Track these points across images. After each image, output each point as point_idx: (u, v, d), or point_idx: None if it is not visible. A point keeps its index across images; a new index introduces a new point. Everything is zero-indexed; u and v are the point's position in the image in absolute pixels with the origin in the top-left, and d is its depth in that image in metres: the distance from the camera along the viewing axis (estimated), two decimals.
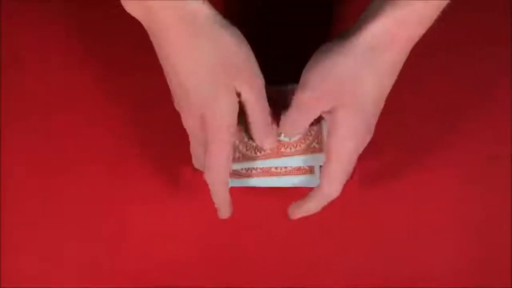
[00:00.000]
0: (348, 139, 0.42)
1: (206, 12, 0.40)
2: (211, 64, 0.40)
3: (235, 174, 0.49)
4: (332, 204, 0.50)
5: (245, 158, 0.48)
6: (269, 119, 0.45)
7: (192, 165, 0.49)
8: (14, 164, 0.54)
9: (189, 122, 0.43)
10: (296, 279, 0.53)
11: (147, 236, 0.54)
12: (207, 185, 0.52)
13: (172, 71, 0.41)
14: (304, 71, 0.43)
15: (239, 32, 0.41)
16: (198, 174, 0.54)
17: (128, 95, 0.55)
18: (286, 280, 0.53)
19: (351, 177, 0.45)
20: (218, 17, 0.40)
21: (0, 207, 0.54)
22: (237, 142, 0.47)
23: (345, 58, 0.40)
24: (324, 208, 0.53)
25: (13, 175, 0.54)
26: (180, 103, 0.43)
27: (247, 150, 0.47)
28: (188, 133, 0.45)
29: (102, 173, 0.54)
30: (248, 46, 0.41)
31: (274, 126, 0.46)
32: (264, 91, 0.43)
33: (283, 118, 0.45)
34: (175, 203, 0.54)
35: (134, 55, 0.55)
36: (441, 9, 0.40)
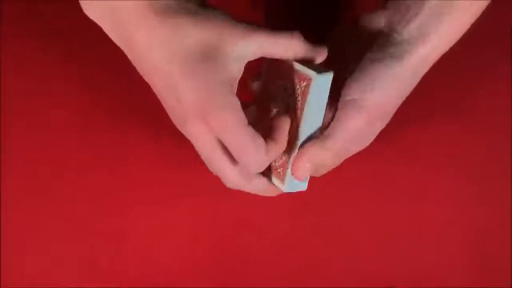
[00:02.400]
0: (354, 144, 0.42)
1: (176, 3, 0.36)
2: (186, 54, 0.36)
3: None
4: (332, 204, 0.50)
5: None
6: (293, 35, 0.39)
7: (192, 165, 0.49)
8: (14, 164, 0.54)
9: (191, 129, 0.39)
10: (296, 279, 0.53)
11: (147, 236, 0.54)
12: (207, 185, 0.52)
13: (149, 75, 0.38)
14: (355, 81, 0.41)
15: (216, 17, 0.37)
16: (198, 174, 0.54)
17: (128, 95, 0.55)
18: (286, 280, 0.53)
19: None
20: (192, 7, 0.36)
21: (0, 207, 0.54)
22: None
23: (399, 77, 0.41)
24: (324, 208, 0.53)
25: (13, 175, 0.54)
26: (174, 113, 0.39)
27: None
28: (194, 142, 0.41)
29: (102, 173, 0.54)
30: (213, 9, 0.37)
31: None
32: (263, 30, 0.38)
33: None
34: (175, 203, 0.54)
35: None
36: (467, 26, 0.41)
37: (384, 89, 0.40)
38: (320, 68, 0.39)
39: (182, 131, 0.40)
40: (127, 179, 0.54)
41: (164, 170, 0.54)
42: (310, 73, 0.38)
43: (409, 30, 0.41)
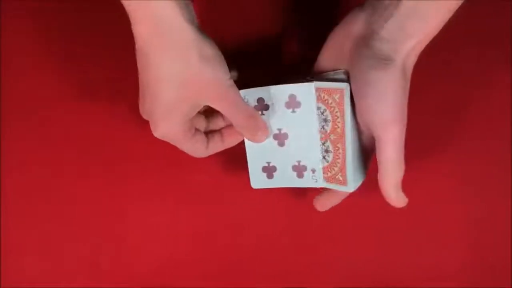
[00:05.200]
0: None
1: (181, 24, 0.41)
2: (174, 80, 0.42)
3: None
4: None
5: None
6: (252, 116, 0.46)
7: (192, 165, 0.49)
8: (14, 164, 0.54)
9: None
10: (296, 279, 0.53)
11: (147, 236, 0.54)
12: (207, 185, 0.52)
13: (145, 79, 0.43)
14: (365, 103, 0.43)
15: (212, 50, 0.42)
16: (199, 174, 0.54)
17: (128, 94, 0.55)
18: (286, 280, 0.53)
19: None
20: (192, 31, 0.41)
21: (0, 207, 0.54)
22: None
23: (393, 84, 0.43)
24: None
25: (13, 175, 0.54)
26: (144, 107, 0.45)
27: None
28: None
29: (103, 173, 0.54)
30: (217, 63, 0.43)
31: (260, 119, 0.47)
32: (237, 97, 0.44)
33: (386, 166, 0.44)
34: (175, 203, 0.54)
35: (134, 56, 0.55)
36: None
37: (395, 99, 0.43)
38: (339, 79, 0.46)
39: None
40: (127, 179, 0.54)
41: (164, 170, 0.54)
42: (341, 85, 0.45)
43: (390, 30, 0.42)
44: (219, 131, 0.49)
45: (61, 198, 0.54)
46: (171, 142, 0.46)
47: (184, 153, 0.52)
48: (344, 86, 0.44)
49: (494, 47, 0.54)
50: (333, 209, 0.50)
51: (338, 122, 0.46)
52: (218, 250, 0.54)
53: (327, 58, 0.47)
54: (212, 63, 0.42)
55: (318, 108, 0.47)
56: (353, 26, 0.45)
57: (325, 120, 0.46)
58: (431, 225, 0.53)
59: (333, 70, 0.46)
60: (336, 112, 0.46)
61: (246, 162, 0.49)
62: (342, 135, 0.46)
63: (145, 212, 0.54)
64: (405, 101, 0.43)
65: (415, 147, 0.53)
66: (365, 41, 0.43)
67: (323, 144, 0.47)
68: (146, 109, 0.44)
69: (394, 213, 0.52)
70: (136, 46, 0.42)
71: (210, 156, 0.48)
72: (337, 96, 0.45)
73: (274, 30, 0.55)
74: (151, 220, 0.54)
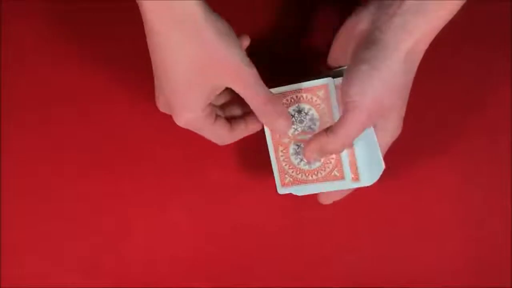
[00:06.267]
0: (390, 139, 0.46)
1: (193, 8, 0.39)
2: (190, 61, 0.40)
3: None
4: (331, 204, 0.50)
5: (296, 181, 0.48)
6: (270, 101, 0.44)
7: (192, 165, 0.49)
8: (14, 163, 0.54)
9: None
10: (296, 279, 0.53)
11: (147, 235, 0.54)
12: (207, 185, 0.52)
13: (160, 67, 0.42)
14: (349, 85, 0.43)
15: (224, 27, 0.41)
16: (199, 174, 0.54)
17: (128, 94, 0.55)
18: (286, 280, 0.53)
19: None
20: (202, 5, 0.39)
21: (0, 207, 0.54)
22: (286, 167, 0.48)
23: (387, 75, 0.42)
24: (324, 209, 0.53)
25: (13, 175, 0.54)
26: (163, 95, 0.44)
27: (297, 174, 0.48)
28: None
29: (103, 173, 0.54)
30: (231, 39, 0.41)
31: (283, 108, 0.46)
32: (255, 78, 0.43)
33: (332, 135, 0.44)
34: (175, 203, 0.54)
35: (134, 55, 0.55)
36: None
37: (376, 91, 0.42)
38: (323, 76, 0.46)
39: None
40: (127, 179, 0.54)
41: (164, 170, 0.54)
42: (324, 81, 0.45)
43: (392, 27, 0.42)
44: (242, 117, 0.48)
45: (61, 198, 0.54)
46: (195, 130, 0.44)
47: (184, 153, 0.53)
48: (327, 81, 0.44)
49: (494, 47, 0.54)
50: (332, 209, 0.50)
51: (327, 118, 0.46)
52: (218, 250, 0.54)
53: (334, 59, 0.48)
54: (227, 40, 0.40)
55: (300, 111, 0.46)
56: (357, 25, 0.45)
57: (312, 120, 0.46)
58: (431, 225, 0.53)
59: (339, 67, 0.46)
60: (323, 108, 0.45)
61: (249, 162, 0.49)
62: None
63: (145, 211, 0.54)
64: (397, 99, 0.43)
65: (416, 147, 0.53)
66: (368, 37, 0.43)
67: None
68: (165, 99, 0.43)
69: (394, 213, 0.52)
70: (146, 28, 0.41)
71: (210, 156, 0.48)
72: (321, 92, 0.45)
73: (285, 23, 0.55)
74: (151, 219, 0.54)
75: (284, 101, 0.47)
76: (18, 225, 0.53)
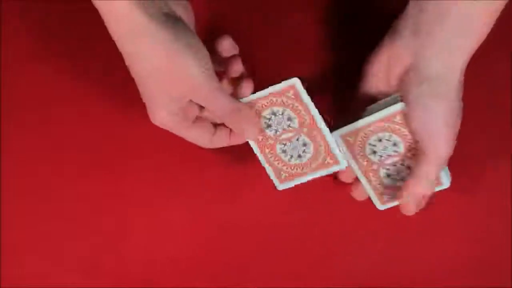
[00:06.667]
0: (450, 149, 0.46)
1: (140, 19, 0.40)
2: (147, 75, 0.42)
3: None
4: (332, 203, 0.50)
5: (292, 176, 0.49)
6: (233, 110, 0.44)
7: (192, 164, 0.49)
8: (14, 163, 0.54)
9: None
10: (297, 279, 0.53)
11: (147, 235, 0.54)
12: (207, 185, 0.52)
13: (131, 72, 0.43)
14: (419, 125, 0.44)
15: (178, 37, 0.41)
16: (199, 174, 0.54)
17: (128, 94, 0.55)
18: (287, 280, 0.53)
19: None
20: (154, 23, 0.40)
21: (0, 207, 0.54)
22: (280, 165, 0.48)
23: (452, 104, 0.44)
24: (324, 209, 0.53)
25: (13, 175, 0.54)
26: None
27: (292, 169, 0.49)
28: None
29: (103, 173, 0.54)
30: (187, 51, 0.41)
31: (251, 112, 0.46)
32: (214, 91, 0.43)
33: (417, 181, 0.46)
34: (175, 203, 0.54)
35: None
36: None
37: (448, 124, 0.44)
38: (289, 78, 0.46)
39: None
40: (127, 178, 0.54)
41: (164, 170, 0.54)
42: (290, 81, 0.45)
43: (440, 57, 0.42)
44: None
45: (61, 198, 0.54)
46: (171, 131, 0.45)
47: (184, 153, 0.53)
48: (294, 81, 0.45)
49: (494, 47, 0.54)
50: (332, 209, 0.50)
51: (303, 114, 0.46)
52: (219, 250, 0.54)
53: (370, 86, 0.48)
54: (181, 55, 0.41)
55: (274, 113, 0.47)
56: (394, 52, 0.45)
57: (289, 118, 0.47)
58: (431, 225, 0.53)
59: (382, 97, 0.47)
60: (296, 106, 0.46)
61: (249, 161, 0.49)
62: (313, 122, 0.46)
63: (145, 211, 0.54)
64: (459, 121, 0.44)
65: None
66: (414, 65, 0.43)
67: (297, 140, 0.47)
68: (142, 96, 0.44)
69: (394, 213, 0.52)
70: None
71: (209, 156, 0.48)
72: (290, 93, 0.45)
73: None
74: (151, 219, 0.54)
75: (256, 107, 0.47)
76: (18, 225, 0.53)
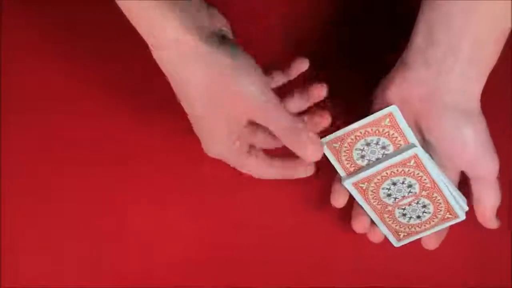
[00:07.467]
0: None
1: (186, 37, 0.38)
2: (201, 98, 0.40)
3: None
4: (331, 204, 0.50)
5: (411, 234, 0.50)
6: (287, 127, 0.43)
7: (192, 164, 0.49)
8: (14, 164, 0.54)
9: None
10: (296, 279, 0.53)
11: (147, 236, 0.54)
12: (207, 184, 0.52)
13: (180, 98, 0.42)
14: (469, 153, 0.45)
15: (229, 55, 0.40)
16: (199, 174, 0.54)
17: (128, 94, 0.55)
18: (286, 280, 0.53)
19: None
20: (202, 42, 0.39)
21: (0, 207, 0.53)
22: (397, 227, 0.50)
23: (476, 125, 0.45)
24: (324, 209, 0.53)
25: (13, 175, 0.54)
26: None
27: (410, 228, 0.50)
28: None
29: (103, 173, 0.54)
30: (240, 69, 0.40)
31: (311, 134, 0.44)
32: (275, 110, 0.42)
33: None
34: (176, 202, 0.54)
35: (135, 56, 0.55)
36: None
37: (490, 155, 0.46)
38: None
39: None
40: (127, 178, 0.54)
41: (164, 170, 0.54)
42: (388, 110, 0.45)
43: (459, 89, 0.43)
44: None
45: (61, 198, 0.54)
46: (226, 162, 0.44)
47: (184, 153, 0.52)
48: (391, 109, 0.44)
49: None
50: (332, 210, 0.50)
51: (400, 140, 0.46)
52: (219, 250, 0.53)
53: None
54: (238, 73, 0.40)
55: (368, 143, 0.46)
56: (406, 88, 0.44)
57: (383, 147, 0.47)
58: None
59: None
60: (393, 133, 0.46)
61: None
62: (433, 186, 0.47)
63: (145, 211, 0.54)
64: (490, 139, 0.45)
65: None
66: (435, 99, 0.43)
67: (417, 203, 0.48)
68: (195, 129, 0.43)
69: None
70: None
71: (210, 156, 0.48)
72: (387, 121, 0.45)
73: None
74: (151, 219, 0.54)
75: (349, 140, 0.46)
76: (18, 225, 0.53)
